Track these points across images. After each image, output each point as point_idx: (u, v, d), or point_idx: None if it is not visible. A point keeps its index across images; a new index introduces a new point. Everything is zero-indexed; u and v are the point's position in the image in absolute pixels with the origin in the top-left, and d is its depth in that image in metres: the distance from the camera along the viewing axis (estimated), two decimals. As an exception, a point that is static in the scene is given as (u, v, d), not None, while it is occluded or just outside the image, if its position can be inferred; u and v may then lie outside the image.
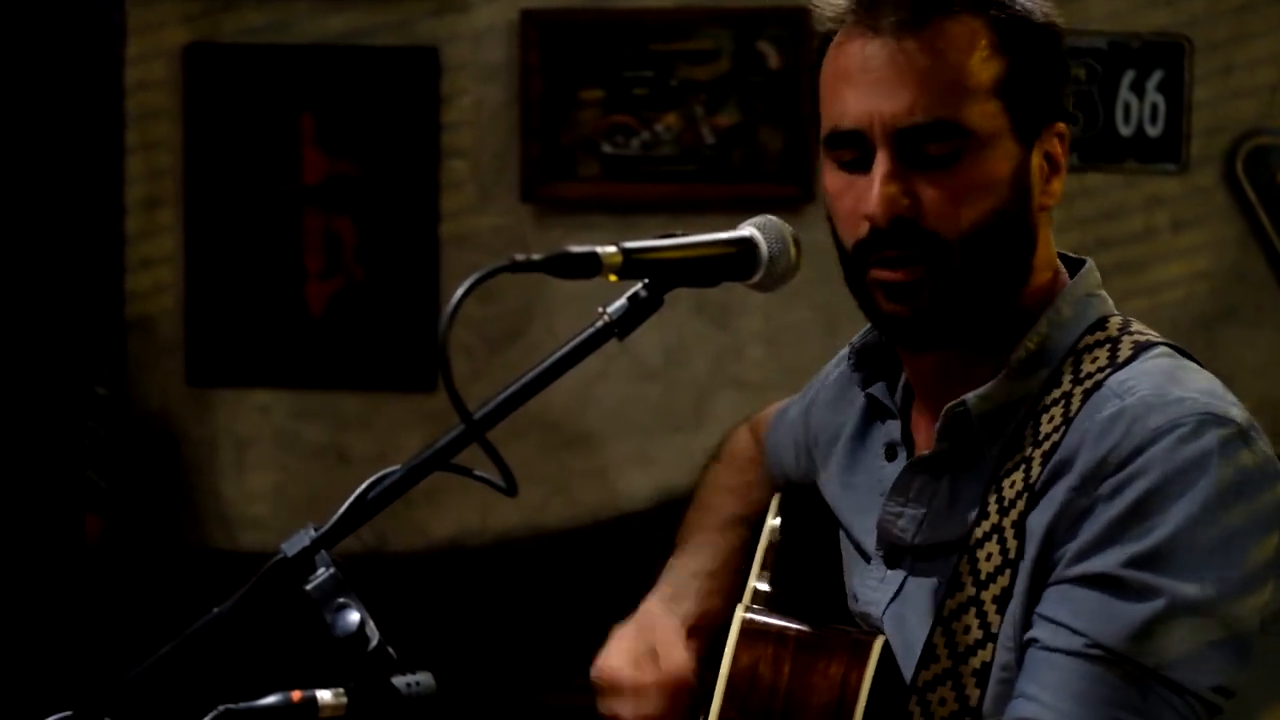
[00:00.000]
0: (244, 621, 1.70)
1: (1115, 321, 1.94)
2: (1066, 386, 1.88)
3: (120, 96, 4.76)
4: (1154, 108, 4.63)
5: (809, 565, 2.16)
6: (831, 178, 1.92)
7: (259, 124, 4.77)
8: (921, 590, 1.95)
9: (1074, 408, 1.86)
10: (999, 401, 1.90)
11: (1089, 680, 1.78)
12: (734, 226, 1.86)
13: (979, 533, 1.88)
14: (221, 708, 1.64)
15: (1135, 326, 1.94)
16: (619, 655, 2.16)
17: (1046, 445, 1.86)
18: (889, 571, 1.99)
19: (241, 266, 4.80)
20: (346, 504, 1.72)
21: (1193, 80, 4.63)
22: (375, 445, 4.77)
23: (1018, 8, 1.91)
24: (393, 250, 4.78)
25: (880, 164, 1.87)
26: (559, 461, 4.76)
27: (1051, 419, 1.87)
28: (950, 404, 1.91)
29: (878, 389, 2.04)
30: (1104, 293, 1.98)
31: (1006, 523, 1.86)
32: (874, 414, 2.07)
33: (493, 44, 4.72)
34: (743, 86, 4.70)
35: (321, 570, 1.69)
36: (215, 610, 1.70)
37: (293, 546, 1.70)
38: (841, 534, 2.11)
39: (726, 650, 2.00)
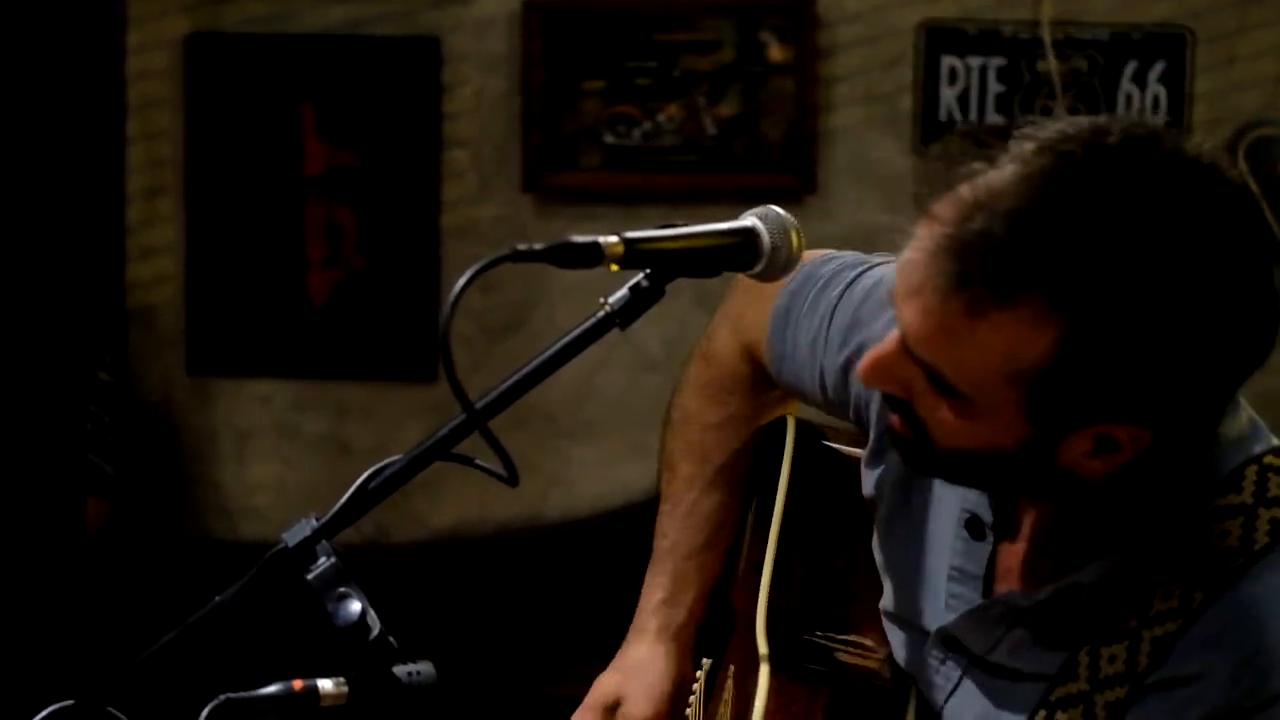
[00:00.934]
0: (245, 611, 1.70)
1: (1250, 477, 1.74)
2: (1188, 560, 1.71)
3: (121, 86, 4.76)
4: (1156, 99, 4.63)
5: (829, 553, 2.09)
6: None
7: (260, 114, 4.77)
8: (985, 700, 1.85)
9: (1197, 598, 1.70)
10: (1116, 572, 1.75)
11: None
12: (736, 217, 1.85)
13: (1062, 692, 1.76)
14: (223, 697, 1.64)
15: (1272, 486, 1.73)
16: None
17: (1159, 631, 1.71)
18: (949, 655, 1.88)
19: (242, 256, 4.80)
20: (348, 494, 1.72)
21: (1195, 72, 4.62)
22: (376, 435, 4.77)
23: (1134, 302, 1.58)
24: (394, 240, 4.78)
25: (888, 342, 1.72)
26: (559, 452, 4.76)
27: (1168, 596, 1.71)
28: (1063, 586, 1.76)
29: None
30: (1243, 417, 1.77)
31: (1099, 700, 1.74)
32: None
33: (494, 34, 4.72)
34: (745, 77, 4.70)
35: (323, 560, 1.70)
36: (216, 599, 1.70)
37: (294, 536, 1.71)
38: (876, 539, 1.99)
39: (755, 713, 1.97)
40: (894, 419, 1.77)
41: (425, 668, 1.69)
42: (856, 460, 2.04)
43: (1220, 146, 1.64)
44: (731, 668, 2.15)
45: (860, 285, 2.03)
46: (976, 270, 1.61)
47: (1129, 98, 4.62)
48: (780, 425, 2.16)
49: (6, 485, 4.14)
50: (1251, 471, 1.75)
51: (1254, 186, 4.61)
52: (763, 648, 2.02)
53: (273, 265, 4.79)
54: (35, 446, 4.19)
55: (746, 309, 2.15)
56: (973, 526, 1.86)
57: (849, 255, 2.09)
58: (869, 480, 1.99)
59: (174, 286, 4.82)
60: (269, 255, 4.79)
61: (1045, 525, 1.82)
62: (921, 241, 1.66)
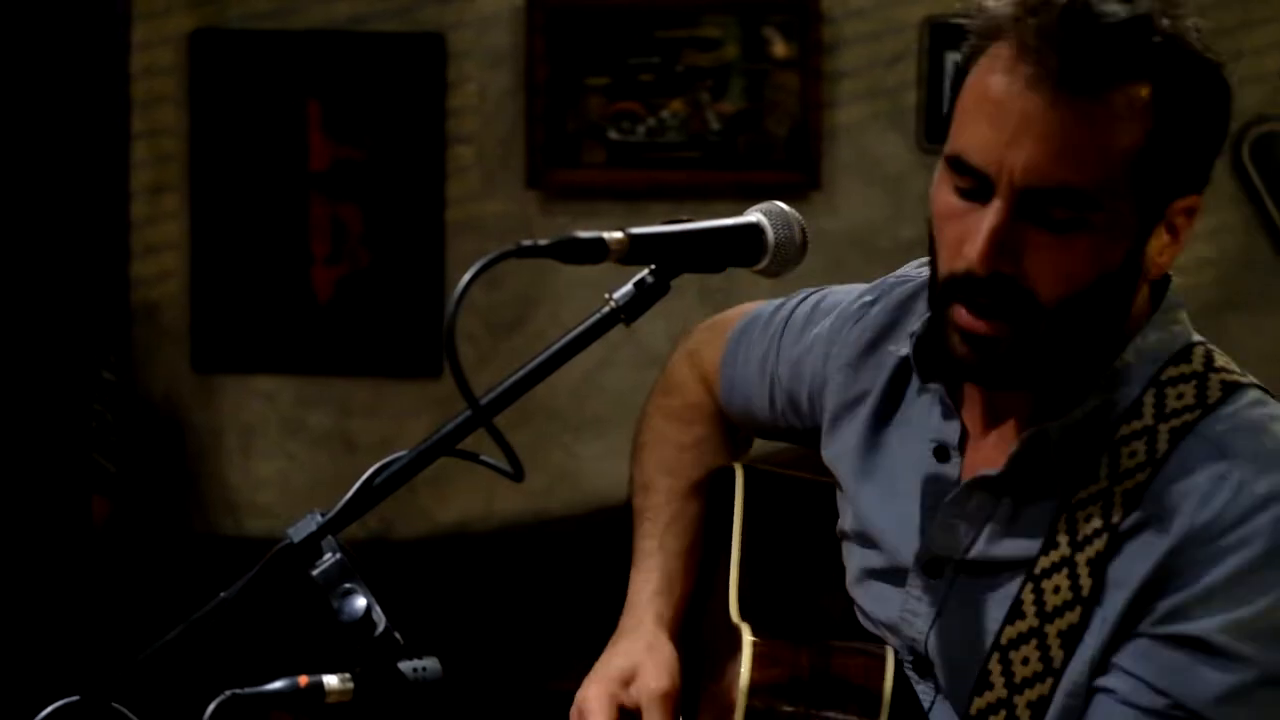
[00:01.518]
0: (250, 607, 1.70)
1: (1199, 353, 1.87)
2: (1149, 420, 1.82)
3: (126, 82, 4.76)
4: (1160, 94, 4.63)
5: (790, 557, 2.15)
6: (943, 197, 1.83)
7: (265, 110, 4.77)
8: (969, 607, 1.90)
9: (1161, 448, 1.80)
10: (1080, 429, 1.84)
11: None
12: (740, 213, 1.86)
13: (1045, 562, 1.83)
14: (228, 692, 1.64)
15: (1219, 360, 1.87)
16: (600, 703, 2.17)
17: (1129, 484, 1.80)
18: (931, 581, 1.93)
19: (247, 253, 4.80)
20: (353, 489, 1.72)
21: (1199, 67, 4.62)
22: (381, 431, 4.78)
23: (1188, 73, 1.79)
24: (399, 236, 4.78)
25: (995, 213, 1.78)
26: (564, 448, 4.76)
27: (1133, 454, 1.81)
28: (1032, 432, 1.85)
29: (938, 389, 1.95)
30: (1184, 313, 1.91)
31: (1080, 559, 1.81)
32: (900, 388, 2.01)
33: (498, 30, 4.72)
34: (748, 73, 4.70)
35: (328, 555, 1.69)
36: (222, 595, 1.70)
37: (299, 532, 1.70)
38: (846, 520, 2.06)
39: (741, 682, 1.98)
40: (980, 327, 1.81)
41: (431, 664, 1.69)
42: (805, 481, 2.14)
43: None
44: (709, 687, 2.16)
45: (811, 300, 2.17)
46: (1101, 56, 1.75)
47: (1133, 93, 4.62)
48: (729, 472, 2.24)
49: (13, 485, 4.15)
50: (1199, 350, 1.87)
51: (1258, 182, 4.61)
52: (741, 624, 2.04)
53: (277, 261, 4.80)
54: (40, 446, 4.20)
55: (703, 345, 2.28)
56: (939, 453, 1.94)
57: (802, 292, 2.23)
58: (831, 447, 2.07)
59: (178, 283, 4.83)
60: (273, 251, 4.80)
61: (1013, 413, 1.89)
62: (1016, 83, 1.76)
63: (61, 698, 1.67)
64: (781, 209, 1.85)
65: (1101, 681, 1.80)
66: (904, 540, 1.96)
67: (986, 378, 1.87)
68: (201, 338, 4.83)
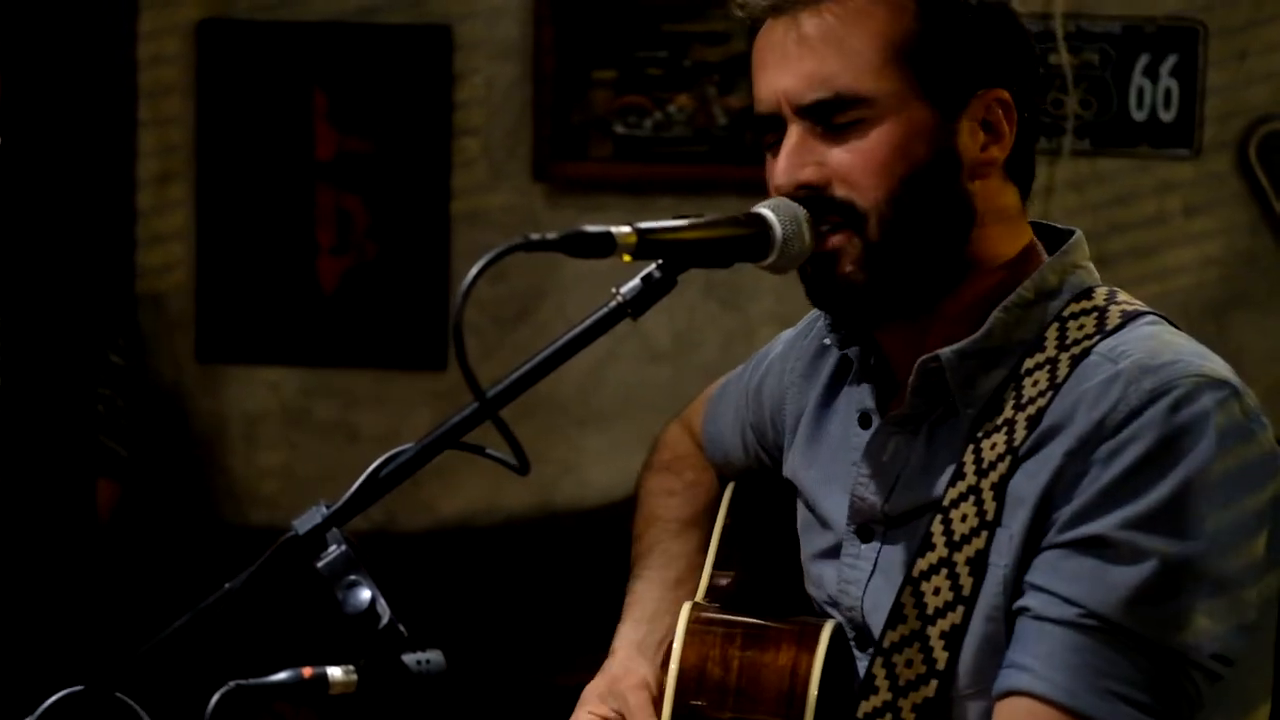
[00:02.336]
0: (255, 597, 1.70)
1: (1101, 291, 1.92)
2: (1051, 352, 1.87)
3: (133, 71, 4.76)
4: (1168, 93, 4.63)
5: (763, 558, 2.17)
6: (767, 167, 1.93)
7: (271, 100, 4.78)
8: (897, 560, 1.93)
9: (1061, 373, 1.84)
10: (975, 360, 1.88)
11: (1083, 651, 1.76)
12: (747, 208, 1.86)
13: (954, 494, 1.86)
14: (232, 683, 1.65)
15: (1122, 296, 1.92)
16: None
17: (1031, 410, 1.84)
18: (863, 547, 1.97)
19: (253, 243, 4.81)
20: (359, 481, 1.72)
21: (1207, 65, 4.62)
22: (385, 423, 4.78)
23: None
24: (404, 228, 4.78)
25: (788, 138, 1.90)
26: (569, 441, 4.76)
27: (1036, 383, 1.85)
28: (924, 358, 1.89)
29: (854, 353, 2.02)
30: (1091, 265, 1.96)
31: (985, 485, 1.84)
32: (841, 380, 2.06)
33: (506, 22, 4.72)
34: (756, 67, 4.70)
35: (333, 547, 1.69)
36: (226, 586, 1.71)
37: (304, 523, 1.70)
38: (800, 517, 2.10)
39: (674, 649, 1.99)
40: (832, 242, 1.86)
41: (435, 656, 1.69)
42: (782, 488, 2.17)
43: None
44: None
45: (771, 342, 2.25)
46: None
47: (1140, 91, 4.62)
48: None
49: (17, 469, 4.14)
50: (1103, 289, 1.93)
51: (1264, 180, 4.61)
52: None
53: (283, 252, 4.80)
54: (44, 430, 4.20)
55: (692, 412, 2.38)
56: (863, 420, 2.00)
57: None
58: (790, 459, 2.13)
59: (184, 272, 4.83)
60: (279, 242, 4.80)
61: (904, 360, 1.93)
62: (770, 29, 1.94)
63: (65, 687, 1.68)
64: (789, 204, 1.86)
65: (1018, 603, 1.81)
66: (842, 513, 2.00)
67: (852, 301, 1.90)
68: (207, 327, 4.83)
